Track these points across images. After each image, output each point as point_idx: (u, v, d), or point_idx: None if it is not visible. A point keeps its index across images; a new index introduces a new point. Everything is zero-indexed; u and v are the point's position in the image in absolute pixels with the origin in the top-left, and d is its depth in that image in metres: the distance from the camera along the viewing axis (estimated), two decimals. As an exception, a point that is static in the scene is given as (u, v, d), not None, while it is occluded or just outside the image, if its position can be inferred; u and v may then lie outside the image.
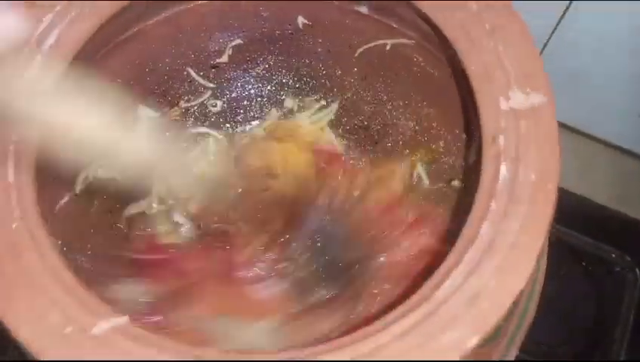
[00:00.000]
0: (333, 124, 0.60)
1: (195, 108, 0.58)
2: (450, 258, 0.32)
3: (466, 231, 0.32)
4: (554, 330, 0.60)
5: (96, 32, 0.41)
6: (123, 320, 0.30)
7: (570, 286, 0.63)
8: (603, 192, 0.68)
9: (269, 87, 0.59)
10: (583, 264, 0.64)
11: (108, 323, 0.29)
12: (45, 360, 0.28)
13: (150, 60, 0.52)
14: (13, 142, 0.34)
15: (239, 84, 0.58)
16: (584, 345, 0.61)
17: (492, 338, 0.36)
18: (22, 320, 0.29)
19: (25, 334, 0.29)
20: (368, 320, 0.31)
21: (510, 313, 0.35)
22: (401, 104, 0.56)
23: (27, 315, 0.29)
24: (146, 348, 0.29)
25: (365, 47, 0.54)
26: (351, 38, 0.54)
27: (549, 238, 0.38)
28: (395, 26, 0.50)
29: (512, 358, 0.41)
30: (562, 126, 0.35)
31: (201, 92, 0.57)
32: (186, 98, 0.57)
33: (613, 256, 0.64)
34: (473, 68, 0.37)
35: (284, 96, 0.59)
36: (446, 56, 0.45)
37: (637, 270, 0.63)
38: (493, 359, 0.39)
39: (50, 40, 0.37)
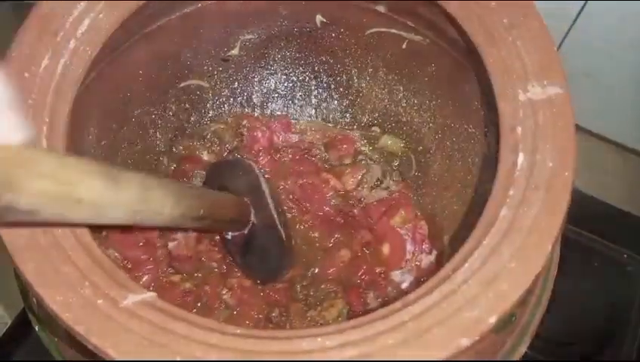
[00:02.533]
0: (347, 121, 0.61)
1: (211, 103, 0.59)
2: (470, 241, 0.32)
3: (485, 216, 0.33)
4: (565, 329, 0.61)
5: (124, 23, 0.42)
6: (152, 295, 0.31)
7: (581, 286, 0.63)
8: (614, 193, 0.68)
9: (285, 84, 0.60)
10: (595, 264, 0.64)
11: (137, 297, 0.30)
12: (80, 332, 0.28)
13: (172, 54, 0.53)
14: (46, 117, 0.36)
15: (256, 80, 0.60)
16: (595, 344, 0.61)
17: (507, 323, 0.37)
18: (55, 291, 0.30)
19: (58, 305, 0.29)
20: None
21: (527, 297, 0.36)
22: (415, 102, 0.57)
23: (60, 287, 0.30)
24: (174, 321, 0.30)
25: (381, 43, 0.55)
26: (368, 37, 0.55)
27: (562, 236, 0.39)
28: (411, 24, 0.51)
29: (524, 349, 0.41)
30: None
31: (219, 88, 0.59)
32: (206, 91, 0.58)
33: (625, 256, 0.64)
34: (492, 61, 0.38)
35: (300, 93, 0.61)
36: (463, 52, 0.46)
37: (648, 270, 0.64)
38: (507, 346, 0.40)
39: (83, 27, 0.39)
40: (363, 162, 0.60)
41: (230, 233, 0.51)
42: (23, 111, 0.28)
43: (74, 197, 0.29)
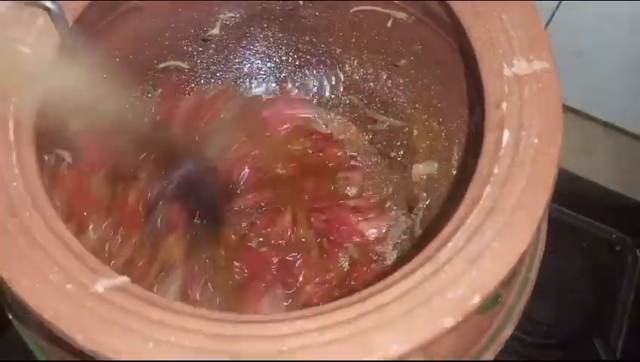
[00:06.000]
0: (333, 103, 0.60)
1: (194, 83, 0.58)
2: (454, 220, 0.32)
3: (469, 195, 0.32)
4: (553, 310, 0.61)
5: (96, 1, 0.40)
6: (124, 279, 0.30)
7: (570, 266, 0.63)
8: (603, 173, 0.68)
9: (268, 64, 0.59)
10: (584, 244, 0.64)
11: (109, 282, 0.29)
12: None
13: (149, 34, 0.52)
14: (12, 103, 0.34)
15: (238, 61, 0.58)
16: (583, 325, 0.61)
17: (492, 303, 0.36)
18: (22, 276, 0.29)
19: (25, 290, 0.28)
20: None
21: (511, 277, 0.35)
22: (401, 81, 0.56)
23: (27, 272, 0.29)
24: (147, 306, 0.29)
25: (366, 21, 0.53)
26: (351, 15, 0.53)
27: (549, 217, 0.38)
28: (396, 2, 0.50)
29: (511, 330, 0.41)
30: (563, 107, 0.35)
31: (199, 69, 0.57)
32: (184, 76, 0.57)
33: (614, 236, 0.64)
34: (477, 35, 0.37)
35: (283, 74, 0.59)
36: (448, 29, 0.45)
37: (637, 250, 0.64)
38: (493, 328, 0.39)
39: (52, 2, 0.37)
40: (392, 213, 0.51)
41: None
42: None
43: None
